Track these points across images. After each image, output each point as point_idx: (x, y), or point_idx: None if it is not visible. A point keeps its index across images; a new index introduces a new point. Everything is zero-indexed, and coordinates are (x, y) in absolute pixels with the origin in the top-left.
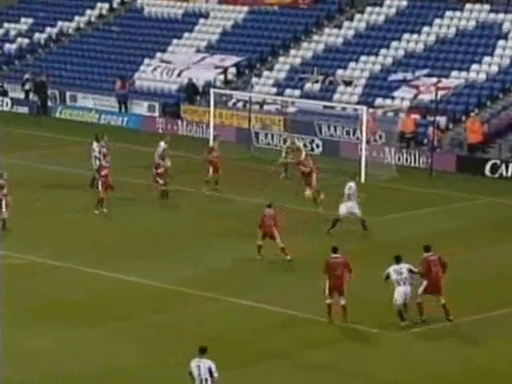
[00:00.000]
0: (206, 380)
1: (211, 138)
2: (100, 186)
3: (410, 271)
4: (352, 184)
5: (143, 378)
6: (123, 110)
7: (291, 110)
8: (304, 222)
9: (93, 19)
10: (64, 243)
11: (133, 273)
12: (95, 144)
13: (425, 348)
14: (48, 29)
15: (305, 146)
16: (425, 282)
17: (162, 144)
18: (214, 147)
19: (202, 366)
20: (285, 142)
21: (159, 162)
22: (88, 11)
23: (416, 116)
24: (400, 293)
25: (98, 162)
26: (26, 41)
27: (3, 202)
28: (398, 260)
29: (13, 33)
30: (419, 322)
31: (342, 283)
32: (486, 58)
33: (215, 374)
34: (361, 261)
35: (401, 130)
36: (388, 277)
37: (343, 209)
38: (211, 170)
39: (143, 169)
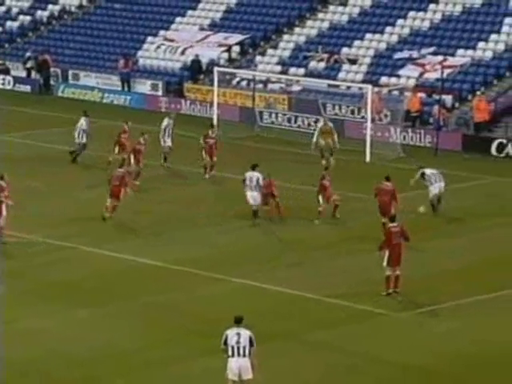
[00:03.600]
0: (245, 348)
1: (214, 121)
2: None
3: (258, 181)
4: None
5: (143, 360)
6: (126, 88)
7: (296, 88)
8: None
9: None
10: (66, 223)
11: (136, 252)
12: (83, 119)
13: (431, 328)
14: (50, 6)
15: (309, 125)
16: (387, 253)
17: (166, 120)
18: (210, 134)
19: (242, 333)
20: (315, 122)
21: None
22: None
23: (422, 95)
24: (249, 196)
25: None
26: (28, 18)
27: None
28: (253, 168)
29: (15, 10)
30: (385, 295)
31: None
32: (493, 36)
33: (255, 344)
34: (363, 241)
35: (406, 109)
36: (244, 181)
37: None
38: (206, 156)
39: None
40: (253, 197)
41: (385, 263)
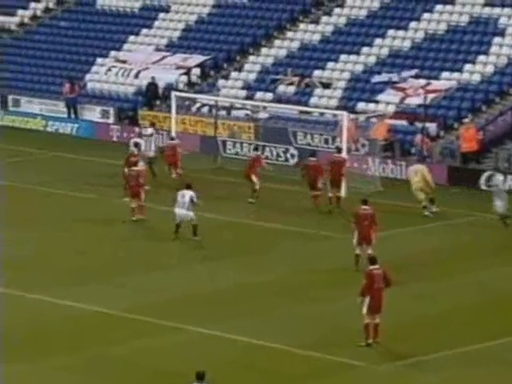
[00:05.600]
0: None
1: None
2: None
3: (192, 200)
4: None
5: None
6: (73, 115)
7: (263, 115)
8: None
9: (38, 13)
10: (2, 266)
11: (81, 299)
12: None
13: (413, 382)
14: None
15: (278, 155)
16: (367, 300)
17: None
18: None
19: None
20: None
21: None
22: (33, 4)
23: (390, 121)
24: (175, 213)
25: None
26: None
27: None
28: (187, 187)
29: None
30: (363, 345)
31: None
32: (481, 57)
33: None
34: (331, 286)
35: (372, 138)
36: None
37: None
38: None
39: (95, 181)
40: (180, 215)
41: (364, 310)
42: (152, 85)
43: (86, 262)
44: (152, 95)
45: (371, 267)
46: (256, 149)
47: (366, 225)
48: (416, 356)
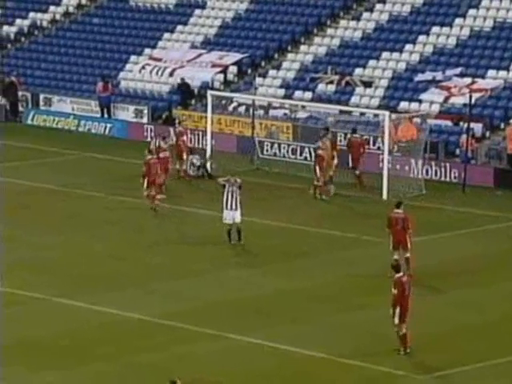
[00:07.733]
0: None
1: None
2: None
3: (240, 188)
4: None
5: None
6: (106, 115)
7: (301, 115)
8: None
9: (70, 10)
10: (35, 271)
11: (115, 305)
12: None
13: None
14: (18, 21)
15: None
16: (398, 309)
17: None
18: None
19: None
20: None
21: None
22: (65, 0)
23: (417, 120)
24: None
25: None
26: None
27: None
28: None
29: None
30: (402, 354)
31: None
32: None
33: None
34: (373, 293)
35: (397, 139)
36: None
37: None
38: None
39: (128, 183)
40: (229, 214)
41: (396, 320)
42: (183, 85)
43: (119, 267)
44: (184, 95)
45: (397, 275)
46: (355, 131)
47: (399, 229)
48: (456, 366)
